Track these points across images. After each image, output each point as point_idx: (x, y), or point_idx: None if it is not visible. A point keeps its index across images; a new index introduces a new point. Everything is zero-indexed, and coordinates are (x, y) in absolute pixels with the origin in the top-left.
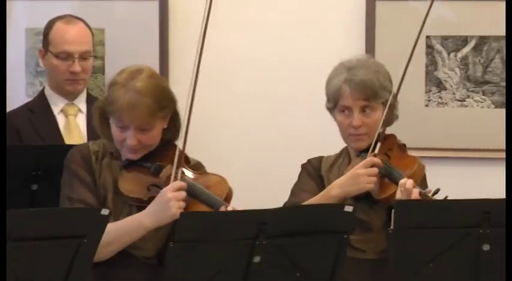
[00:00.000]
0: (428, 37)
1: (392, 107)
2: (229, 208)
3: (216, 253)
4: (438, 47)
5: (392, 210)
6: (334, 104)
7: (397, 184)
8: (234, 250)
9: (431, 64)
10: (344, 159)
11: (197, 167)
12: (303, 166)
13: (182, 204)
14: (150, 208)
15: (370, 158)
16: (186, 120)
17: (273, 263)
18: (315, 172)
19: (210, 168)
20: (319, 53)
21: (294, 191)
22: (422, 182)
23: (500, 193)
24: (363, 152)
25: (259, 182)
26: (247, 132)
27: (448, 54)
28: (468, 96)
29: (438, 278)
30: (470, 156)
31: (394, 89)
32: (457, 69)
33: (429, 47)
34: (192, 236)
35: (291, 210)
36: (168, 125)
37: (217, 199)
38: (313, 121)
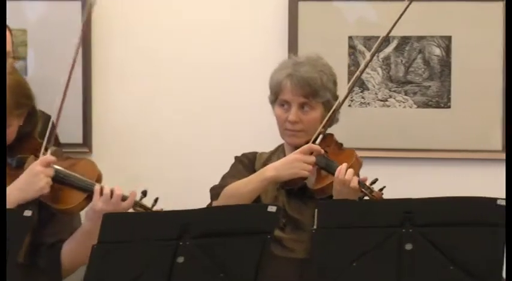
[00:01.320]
0: (350, 38)
1: (336, 111)
2: (104, 188)
3: (140, 254)
4: (360, 47)
5: (316, 209)
6: (275, 97)
7: (334, 175)
8: (158, 250)
9: (354, 64)
10: (279, 156)
11: (59, 153)
12: (236, 157)
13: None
14: (17, 182)
15: (309, 145)
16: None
17: (196, 264)
18: (249, 164)
19: (130, 166)
20: (241, 53)
21: (224, 177)
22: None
23: (425, 192)
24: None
25: (186, 182)
26: (167, 131)
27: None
28: (390, 96)
29: (361, 278)
30: (392, 156)
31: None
32: (379, 70)
33: (351, 47)
34: (115, 237)
35: (215, 210)
36: (24, 122)
37: (88, 181)
38: (234, 121)
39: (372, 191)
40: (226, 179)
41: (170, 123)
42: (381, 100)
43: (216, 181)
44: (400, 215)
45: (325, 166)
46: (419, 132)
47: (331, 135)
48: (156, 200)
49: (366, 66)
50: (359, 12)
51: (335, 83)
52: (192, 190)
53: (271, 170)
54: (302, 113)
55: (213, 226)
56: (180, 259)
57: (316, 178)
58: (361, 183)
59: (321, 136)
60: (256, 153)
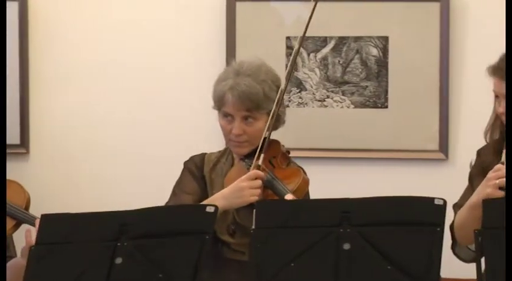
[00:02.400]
0: (288, 38)
1: (274, 115)
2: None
3: (78, 255)
4: None
5: (254, 210)
6: (218, 107)
7: (280, 196)
8: (96, 251)
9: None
10: (227, 159)
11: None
12: (185, 164)
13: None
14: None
15: (254, 172)
16: None
17: (135, 265)
18: (197, 171)
19: (67, 166)
20: (179, 54)
21: (175, 191)
22: (306, 197)
23: (362, 191)
24: (246, 158)
25: (123, 183)
26: (104, 132)
27: (308, 54)
28: (328, 97)
29: (299, 278)
30: (330, 156)
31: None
32: (316, 70)
33: (289, 47)
34: (54, 238)
35: (153, 211)
36: None
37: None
38: (172, 122)
39: None
40: (177, 195)
41: (107, 123)
42: (319, 100)
43: (155, 180)
44: (337, 214)
45: (271, 187)
46: (357, 133)
47: (277, 142)
48: None
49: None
50: (297, 12)
51: (277, 88)
52: (130, 191)
53: (220, 200)
54: (246, 125)
55: (151, 227)
56: (118, 260)
57: (263, 197)
58: None
59: (265, 146)
60: (204, 155)
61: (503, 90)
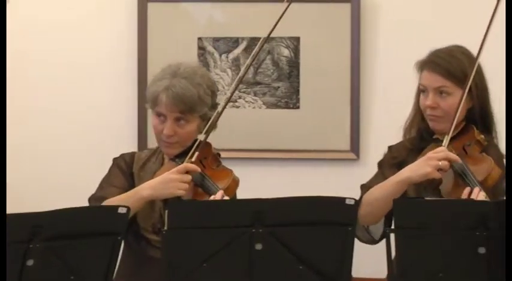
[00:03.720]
0: (200, 39)
1: (210, 117)
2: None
3: None
4: (210, 48)
5: (166, 210)
6: (152, 107)
7: (209, 194)
8: (8, 253)
9: (204, 65)
10: (158, 158)
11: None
12: (114, 160)
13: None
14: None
15: (184, 164)
16: None
17: (46, 267)
18: (126, 168)
19: None
20: (90, 54)
21: (102, 185)
22: (234, 198)
23: (275, 192)
24: (177, 158)
25: (42, 182)
26: (17, 129)
27: (220, 55)
28: (240, 97)
29: (212, 278)
30: (242, 156)
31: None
32: (228, 71)
33: (201, 48)
34: None
35: (66, 212)
36: None
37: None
38: (85, 120)
39: None
40: (104, 188)
41: (18, 122)
42: (231, 101)
43: (76, 179)
44: (250, 215)
45: (201, 185)
46: (269, 133)
47: (210, 144)
48: None
49: (246, 71)
50: (208, 13)
51: (213, 93)
52: (47, 191)
53: (147, 189)
54: (177, 126)
55: (63, 228)
56: (30, 262)
57: (192, 195)
58: None
59: (196, 144)
60: (134, 153)
61: (433, 83)
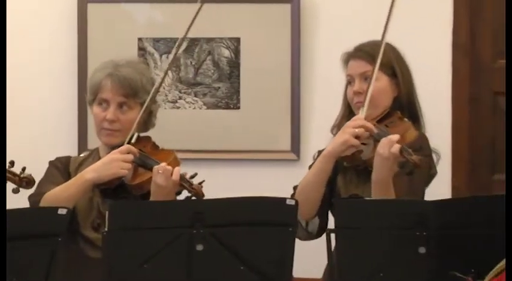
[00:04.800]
0: (140, 39)
1: (148, 110)
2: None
3: None
4: (150, 49)
5: (107, 211)
6: (93, 96)
7: (151, 170)
8: None
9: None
10: (94, 159)
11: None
12: (50, 162)
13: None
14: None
15: (126, 146)
16: None
17: None
18: (63, 168)
19: None
20: (29, 54)
21: (40, 184)
22: None
23: (216, 192)
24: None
25: None
26: None
27: (160, 56)
28: (180, 98)
29: (153, 280)
30: (183, 157)
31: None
32: (169, 71)
33: (141, 49)
34: None
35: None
36: None
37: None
38: (22, 119)
39: (191, 184)
40: (43, 185)
41: None
42: (171, 102)
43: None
44: (191, 216)
45: (143, 163)
46: (210, 134)
47: (148, 137)
48: None
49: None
50: (148, 14)
51: (153, 85)
52: None
53: (90, 172)
54: (120, 113)
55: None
56: None
57: (133, 174)
58: (182, 176)
59: (135, 136)
60: (70, 157)
61: (358, 69)
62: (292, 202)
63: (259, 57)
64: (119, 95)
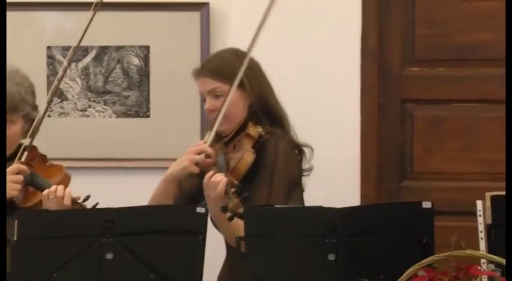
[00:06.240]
0: (49, 48)
1: (33, 120)
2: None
3: None
4: (59, 57)
5: (15, 220)
6: None
7: (42, 191)
8: None
9: (53, 75)
10: None
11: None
12: None
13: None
14: None
15: (15, 165)
16: None
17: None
18: None
19: None
20: None
21: None
22: None
23: (127, 201)
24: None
25: None
26: None
27: (69, 64)
28: (90, 106)
29: None
30: (94, 165)
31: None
32: (78, 80)
33: (50, 57)
34: None
35: None
36: None
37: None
38: None
39: (84, 208)
40: None
41: None
42: (81, 110)
43: None
44: (100, 224)
45: (32, 183)
46: (120, 142)
47: (35, 147)
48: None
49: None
50: (56, 22)
51: (33, 93)
52: None
53: None
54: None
55: None
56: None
57: (24, 195)
58: (74, 200)
59: (22, 149)
60: None
61: (205, 87)
62: (203, 210)
63: (169, 65)
64: None
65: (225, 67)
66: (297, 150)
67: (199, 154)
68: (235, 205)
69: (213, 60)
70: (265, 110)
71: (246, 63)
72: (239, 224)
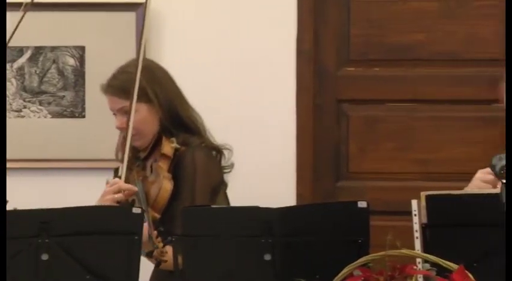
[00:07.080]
0: None
1: None
2: None
3: None
4: None
5: None
6: None
7: None
8: None
9: None
10: None
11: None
12: None
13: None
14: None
15: None
16: None
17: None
18: None
19: None
20: None
21: None
22: None
23: (60, 202)
24: None
25: None
26: None
27: None
28: (25, 107)
29: None
30: (28, 166)
31: None
32: (13, 80)
33: None
34: None
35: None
36: None
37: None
38: None
39: None
40: None
41: None
42: (16, 111)
43: None
44: (36, 225)
45: None
46: (56, 143)
47: None
48: None
49: None
50: None
51: None
52: None
53: None
54: None
55: None
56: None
57: None
58: None
59: None
60: None
61: (114, 106)
62: (138, 210)
63: (105, 65)
64: None
65: (130, 84)
66: (215, 151)
67: (117, 193)
68: (159, 253)
69: (118, 76)
70: (176, 121)
71: (138, 78)
72: (169, 261)
